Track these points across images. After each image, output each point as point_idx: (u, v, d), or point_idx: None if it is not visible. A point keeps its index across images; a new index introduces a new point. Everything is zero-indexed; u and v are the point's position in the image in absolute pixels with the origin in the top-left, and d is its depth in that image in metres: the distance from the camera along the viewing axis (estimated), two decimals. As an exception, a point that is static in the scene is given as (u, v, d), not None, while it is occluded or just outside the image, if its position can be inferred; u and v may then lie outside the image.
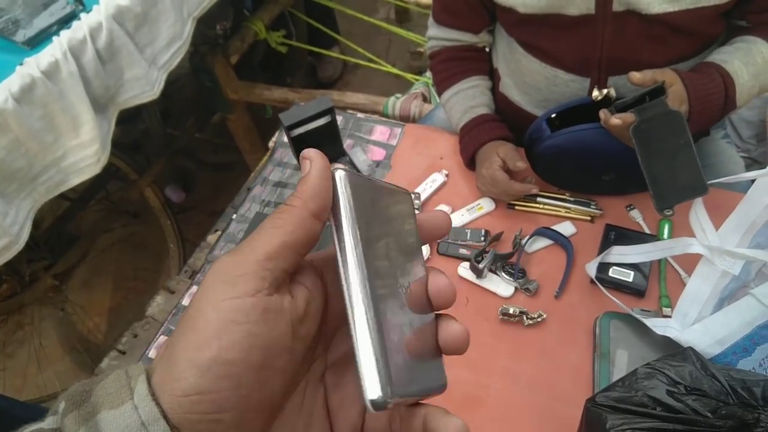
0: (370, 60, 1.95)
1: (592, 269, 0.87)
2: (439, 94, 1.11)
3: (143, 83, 1.16)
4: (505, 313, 0.87)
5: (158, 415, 0.23)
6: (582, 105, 0.89)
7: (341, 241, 0.26)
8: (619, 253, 0.88)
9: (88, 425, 0.23)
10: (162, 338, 0.94)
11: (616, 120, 0.77)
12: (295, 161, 1.08)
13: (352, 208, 0.27)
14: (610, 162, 0.91)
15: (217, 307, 0.24)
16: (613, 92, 0.82)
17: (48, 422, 0.24)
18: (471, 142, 1.02)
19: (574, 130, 0.87)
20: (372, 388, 0.24)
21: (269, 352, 0.24)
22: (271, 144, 1.22)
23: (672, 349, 0.78)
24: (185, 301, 0.98)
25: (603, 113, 0.81)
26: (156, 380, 0.24)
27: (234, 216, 1.10)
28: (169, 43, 1.23)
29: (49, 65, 1.02)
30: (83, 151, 1.09)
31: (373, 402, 0.24)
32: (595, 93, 0.86)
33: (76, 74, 1.03)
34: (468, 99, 1.05)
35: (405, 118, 1.55)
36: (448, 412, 0.29)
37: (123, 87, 1.15)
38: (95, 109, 1.08)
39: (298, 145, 1.04)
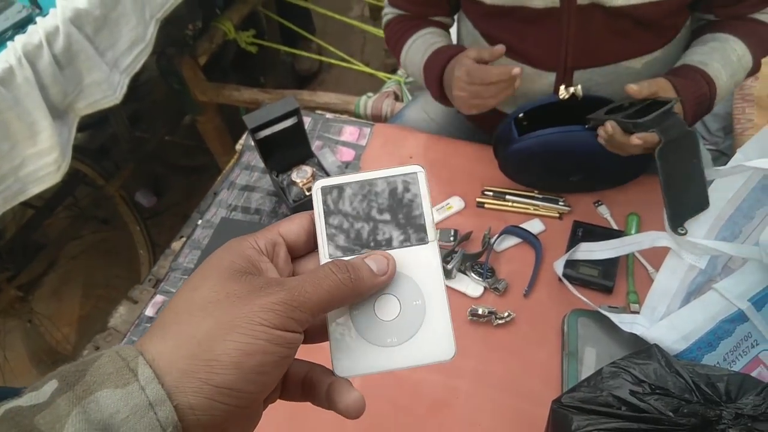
0: (343, 59, 1.93)
1: (559, 267, 0.87)
2: (398, 55, 1.05)
3: (104, 88, 1.13)
4: (474, 314, 0.86)
5: (165, 397, 0.25)
6: (551, 103, 0.89)
7: (318, 244, 0.34)
8: (587, 250, 0.88)
9: (84, 403, 0.24)
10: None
11: (636, 140, 0.74)
12: (262, 164, 1.06)
13: (324, 215, 0.34)
14: (578, 164, 0.91)
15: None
16: (579, 91, 0.82)
17: (26, 399, 0.25)
18: (435, 65, 0.94)
19: (541, 134, 0.87)
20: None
21: (288, 361, 0.30)
22: (238, 147, 1.20)
23: (639, 345, 0.78)
24: (149, 312, 0.96)
25: (609, 125, 0.77)
26: (162, 364, 0.26)
27: (200, 222, 1.08)
28: (131, 46, 1.19)
29: (2, 72, 0.98)
30: (42, 159, 1.05)
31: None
32: (562, 92, 0.86)
33: (31, 80, 0.99)
34: (428, 41, 0.99)
35: (377, 117, 1.54)
36: (351, 385, 0.32)
37: (83, 92, 1.11)
38: (53, 115, 1.04)
39: (264, 147, 1.02)
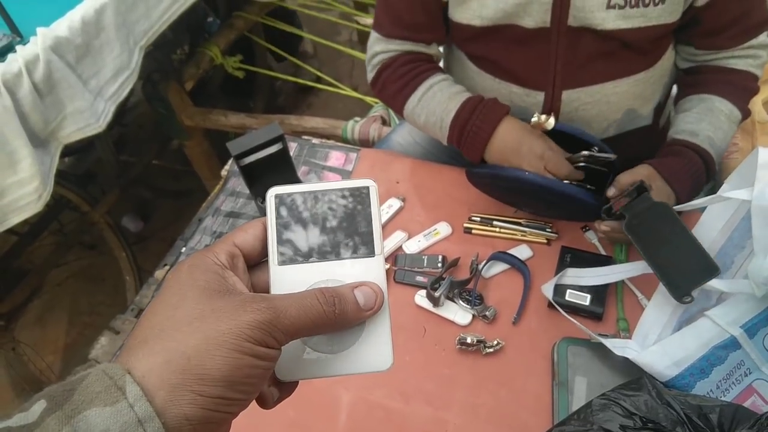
0: (330, 84, 1.94)
1: (548, 290, 0.86)
2: (405, 99, 0.98)
3: (87, 116, 1.11)
4: (463, 343, 0.85)
5: (153, 414, 0.26)
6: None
7: (269, 250, 0.35)
8: (575, 275, 0.88)
9: (74, 422, 0.25)
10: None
11: (605, 227, 0.84)
12: (247, 190, 1.04)
13: (276, 222, 0.35)
14: (527, 200, 0.93)
15: None
16: (552, 122, 0.84)
17: (16, 419, 0.25)
18: (482, 127, 0.87)
19: (492, 169, 0.88)
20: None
21: (270, 372, 0.32)
22: (223, 173, 1.19)
23: (630, 374, 0.77)
24: (131, 343, 0.93)
25: (595, 225, 0.87)
26: (154, 380, 0.27)
27: (183, 249, 1.06)
28: (116, 73, 1.19)
29: (-19, 100, 0.97)
30: (22, 188, 1.04)
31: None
32: (534, 119, 0.86)
33: (11, 109, 0.98)
34: (447, 89, 0.93)
35: (364, 142, 1.54)
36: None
37: (65, 120, 1.10)
38: (34, 144, 1.03)
39: (249, 173, 1.01)
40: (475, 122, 0.88)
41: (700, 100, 0.89)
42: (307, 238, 0.35)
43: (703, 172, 0.85)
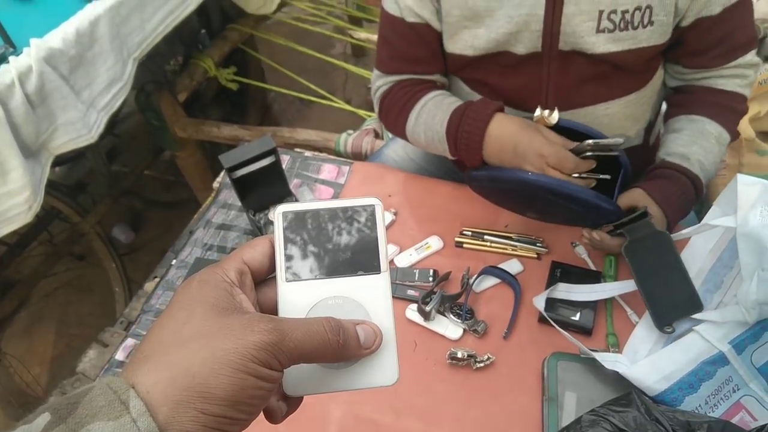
0: (324, 96, 1.94)
1: (540, 303, 0.87)
2: (404, 121, 0.96)
3: (79, 127, 1.11)
4: (454, 357, 0.85)
5: (155, 430, 0.26)
6: None
7: (276, 267, 0.36)
8: (566, 290, 0.88)
9: None
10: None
11: (596, 236, 0.85)
12: (239, 203, 1.05)
13: (284, 240, 0.36)
14: (528, 203, 0.92)
15: None
16: (555, 116, 0.83)
17: (20, 431, 0.26)
18: (473, 130, 0.84)
19: (491, 171, 0.86)
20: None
21: (272, 393, 0.32)
22: (215, 185, 1.19)
23: (620, 389, 0.77)
24: (119, 356, 0.92)
25: (585, 232, 0.87)
26: (158, 396, 0.27)
27: (174, 261, 1.06)
28: (109, 85, 1.19)
29: (-27, 110, 0.97)
30: (12, 199, 1.03)
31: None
32: (537, 113, 0.86)
33: (2, 120, 0.98)
34: (441, 102, 0.91)
35: (357, 155, 1.54)
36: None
37: (57, 131, 1.10)
38: (25, 154, 1.03)
39: (241, 186, 1.01)
40: (465, 127, 0.85)
41: (690, 121, 0.90)
42: (314, 255, 0.36)
43: (693, 196, 0.87)
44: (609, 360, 0.78)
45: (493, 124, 0.83)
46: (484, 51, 0.87)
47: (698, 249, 0.79)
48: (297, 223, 0.36)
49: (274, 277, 0.36)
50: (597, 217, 0.85)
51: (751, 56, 0.89)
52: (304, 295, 0.35)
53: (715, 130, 0.88)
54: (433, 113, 0.91)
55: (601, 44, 0.81)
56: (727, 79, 0.90)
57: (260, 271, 0.36)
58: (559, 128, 0.85)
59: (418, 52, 0.94)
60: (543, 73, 0.87)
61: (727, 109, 0.90)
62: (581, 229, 0.91)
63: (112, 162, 1.91)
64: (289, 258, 0.36)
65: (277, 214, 0.36)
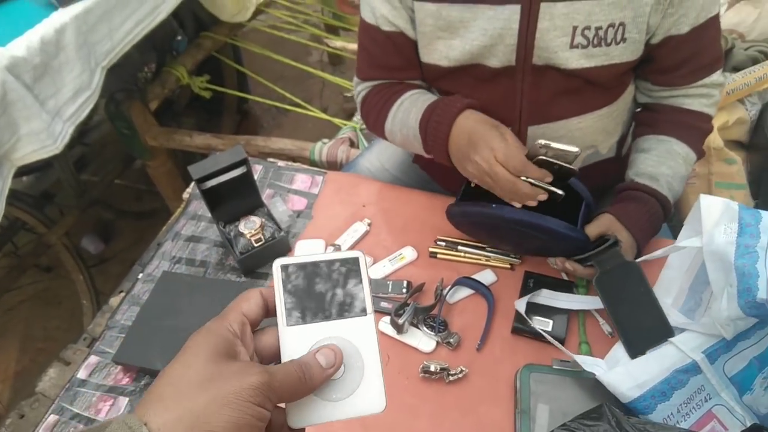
0: (299, 105, 1.93)
1: (521, 306, 0.87)
2: (383, 121, 0.96)
3: (43, 137, 1.08)
4: (427, 371, 0.83)
5: None
6: None
7: (277, 314, 0.41)
8: (549, 297, 0.89)
9: None
10: (52, 417, 0.84)
11: (569, 266, 0.87)
12: (209, 214, 1.02)
13: (283, 289, 0.41)
14: (503, 238, 0.93)
15: None
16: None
17: None
18: (439, 125, 0.83)
19: (464, 207, 0.89)
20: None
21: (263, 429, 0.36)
22: (185, 195, 1.16)
23: (592, 401, 0.77)
24: (81, 374, 0.89)
25: (558, 261, 0.89)
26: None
27: (140, 275, 1.03)
28: (76, 94, 1.16)
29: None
30: (-30, 210, 0.99)
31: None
32: None
33: (-40, 128, 0.94)
34: (417, 99, 0.91)
35: (332, 164, 1.53)
36: None
37: (19, 142, 1.06)
38: (-16, 164, 0.99)
39: (211, 197, 0.99)
40: (435, 118, 0.84)
41: (658, 141, 0.92)
42: (309, 302, 0.42)
43: (662, 217, 0.89)
44: (588, 363, 0.79)
45: (461, 117, 0.83)
46: (458, 62, 0.87)
47: (676, 269, 0.81)
48: (293, 274, 0.42)
49: (269, 326, 0.42)
50: (567, 246, 0.86)
51: (717, 76, 0.90)
52: (303, 337, 0.41)
53: (682, 150, 0.90)
54: (408, 110, 0.91)
55: (575, 60, 0.82)
56: (693, 98, 0.91)
57: (255, 321, 0.41)
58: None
59: (395, 61, 0.94)
60: (517, 87, 0.87)
61: (694, 128, 0.92)
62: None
63: (81, 171, 1.86)
64: (288, 305, 0.41)
65: (276, 267, 0.42)
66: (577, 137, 0.93)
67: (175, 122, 2.03)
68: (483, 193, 0.87)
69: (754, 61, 1.34)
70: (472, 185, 0.91)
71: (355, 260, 0.43)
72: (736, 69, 1.30)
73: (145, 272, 1.03)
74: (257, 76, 2.14)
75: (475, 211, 0.86)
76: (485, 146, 0.78)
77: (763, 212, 0.72)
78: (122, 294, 1.01)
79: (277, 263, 0.42)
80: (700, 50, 0.86)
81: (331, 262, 0.43)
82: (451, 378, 0.83)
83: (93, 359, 0.92)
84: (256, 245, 0.97)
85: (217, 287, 0.95)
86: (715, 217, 0.72)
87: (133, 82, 1.70)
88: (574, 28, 0.79)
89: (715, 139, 1.19)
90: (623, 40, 0.81)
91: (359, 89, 1.01)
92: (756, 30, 1.42)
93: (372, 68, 0.98)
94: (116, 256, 2.08)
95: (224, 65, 2.12)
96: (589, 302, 0.88)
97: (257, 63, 2.54)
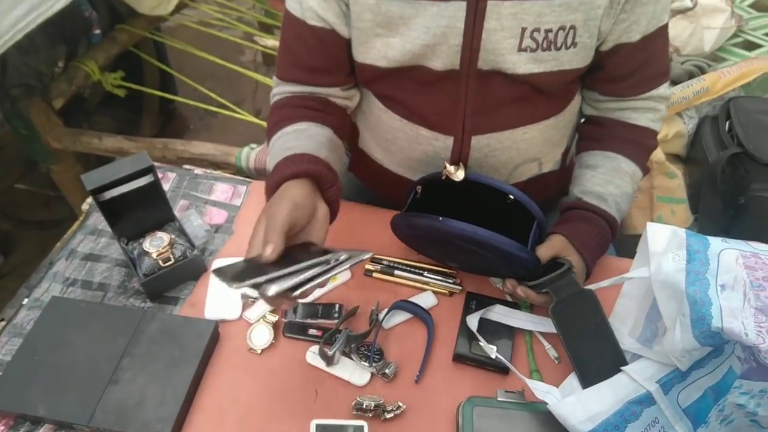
0: (226, 107, 1.79)
1: (473, 322, 0.81)
2: (268, 143, 0.88)
3: None
4: (360, 408, 0.74)
5: None
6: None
7: None
8: (503, 314, 0.84)
9: None
10: None
11: (521, 292, 0.81)
12: (110, 229, 0.88)
13: None
14: (450, 253, 0.87)
15: None
16: (461, 174, 0.80)
17: None
18: (270, 181, 0.75)
19: (409, 217, 0.82)
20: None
21: None
22: (84, 206, 1.02)
23: (540, 436, 0.71)
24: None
25: (508, 284, 0.83)
26: None
27: (26, 300, 0.87)
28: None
29: None
30: None
31: None
32: (448, 168, 0.81)
33: None
34: (286, 143, 0.80)
35: (261, 171, 1.41)
36: None
37: None
38: None
39: (111, 210, 0.85)
40: (270, 178, 0.75)
41: (605, 158, 0.88)
42: None
43: (609, 239, 0.86)
44: (541, 390, 0.73)
45: (282, 187, 0.72)
46: (398, 63, 0.79)
47: (632, 297, 0.79)
48: None
49: None
50: (515, 266, 0.81)
51: (664, 89, 0.88)
52: None
53: (629, 168, 0.88)
54: (272, 155, 0.81)
55: (522, 64, 0.76)
56: (640, 113, 0.88)
57: None
58: (468, 184, 0.80)
59: (319, 61, 0.84)
60: (461, 93, 0.80)
61: (640, 146, 0.90)
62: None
63: (-28, 176, 1.64)
64: None
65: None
66: (523, 148, 0.87)
67: (86, 123, 1.84)
68: (432, 205, 0.80)
69: (690, 76, 1.35)
70: (423, 195, 0.84)
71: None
72: (673, 83, 1.30)
73: (31, 297, 0.88)
74: (183, 75, 1.99)
75: (422, 223, 0.79)
76: (261, 221, 0.68)
77: (710, 238, 0.69)
78: (2, 323, 0.86)
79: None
80: (649, 60, 0.83)
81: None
82: (386, 416, 0.74)
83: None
84: (163, 266, 0.84)
85: (116, 315, 0.82)
86: (663, 245, 0.69)
87: (37, 78, 1.52)
88: (523, 30, 0.73)
89: (656, 153, 1.17)
90: (574, 44, 0.76)
91: (274, 92, 0.90)
92: (690, 45, 1.43)
93: (292, 68, 0.86)
94: (16, 270, 1.86)
95: (145, 62, 1.95)
96: (544, 323, 0.82)
97: (185, 61, 2.37)
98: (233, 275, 0.61)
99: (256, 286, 0.60)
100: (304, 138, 0.80)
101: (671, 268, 0.66)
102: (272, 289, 0.59)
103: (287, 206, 0.67)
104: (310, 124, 0.83)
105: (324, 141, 0.81)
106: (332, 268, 0.64)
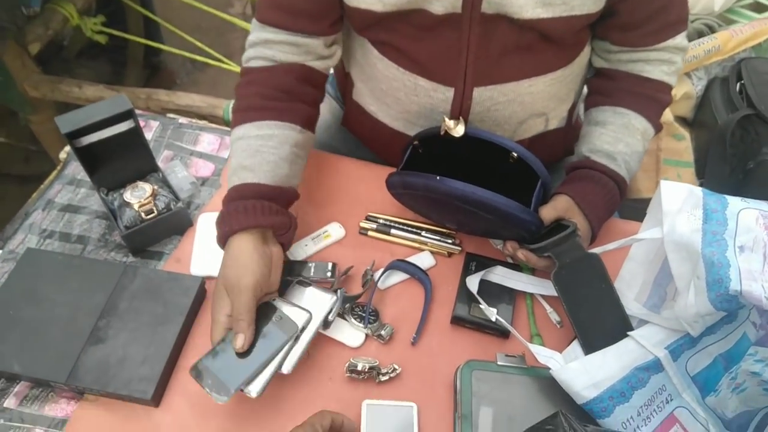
0: (216, 59, 1.71)
1: (473, 283, 0.77)
2: (234, 124, 0.79)
3: None
4: (353, 370, 0.71)
5: None
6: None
7: None
8: (503, 275, 0.80)
9: None
10: None
11: (521, 255, 0.77)
12: (89, 179, 0.83)
13: None
14: (447, 214, 0.82)
15: None
16: (461, 129, 0.75)
17: None
18: (224, 223, 0.71)
19: (405, 176, 0.77)
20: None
21: None
22: (62, 155, 0.95)
23: (541, 403, 0.68)
24: None
25: (508, 246, 0.79)
26: None
27: (-1, 252, 0.82)
28: None
29: None
30: None
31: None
32: (447, 123, 0.76)
33: None
34: (247, 153, 0.75)
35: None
36: None
37: None
38: None
39: (89, 157, 0.80)
40: (229, 211, 0.71)
41: (615, 114, 0.83)
42: None
43: (618, 200, 0.81)
44: (544, 355, 0.71)
45: (242, 236, 0.70)
46: (395, 6, 0.73)
47: (639, 261, 0.74)
48: None
49: None
50: (516, 228, 0.76)
51: (681, 38, 0.82)
52: None
53: (641, 125, 0.82)
54: (234, 158, 0.76)
55: (530, 8, 0.70)
56: (654, 65, 0.83)
57: None
58: (468, 140, 0.75)
59: (301, 3, 0.76)
60: (462, 40, 0.74)
61: (653, 100, 0.84)
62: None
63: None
64: None
65: None
66: (527, 102, 0.82)
67: (67, 73, 1.75)
68: (429, 163, 0.75)
69: (700, 34, 1.29)
70: (419, 151, 0.79)
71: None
72: (683, 41, 1.24)
73: (5, 248, 0.83)
74: (170, 24, 1.89)
75: (419, 182, 0.74)
76: (221, 288, 0.68)
77: (729, 197, 0.64)
78: (-22, 278, 0.80)
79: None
80: (668, 5, 0.78)
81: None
82: (381, 378, 0.71)
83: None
84: (146, 218, 0.79)
85: (96, 269, 0.77)
86: (677, 204, 0.64)
87: (10, 20, 1.42)
88: None
89: (665, 113, 1.12)
90: None
91: (251, 38, 0.79)
92: (700, 3, 1.37)
93: (275, 11, 0.77)
94: (-5, 226, 1.79)
95: (129, 9, 1.85)
96: (546, 286, 0.79)
97: (171, 11, 2.26)
98: (214, 383, 0.63)
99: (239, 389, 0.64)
100: (267, 152, 0.74)
101: (686, 229, 0.62)
102: (256, 389, 0.64)
103: (250, 285, 0.66)
104: (276, 124, 0.76)
105: (286, 154, 0.76)
106: (303, 330, 0.68)
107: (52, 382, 0.68)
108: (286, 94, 0.78)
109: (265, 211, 0.71)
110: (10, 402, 0.69)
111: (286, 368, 0.66)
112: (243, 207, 0.71)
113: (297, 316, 0.69)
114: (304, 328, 0.68)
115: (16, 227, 0.86)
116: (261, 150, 0.74)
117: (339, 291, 0.74)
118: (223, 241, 0.71)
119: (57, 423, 0.67)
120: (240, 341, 0.65)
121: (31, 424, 0.67)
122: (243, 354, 0.65)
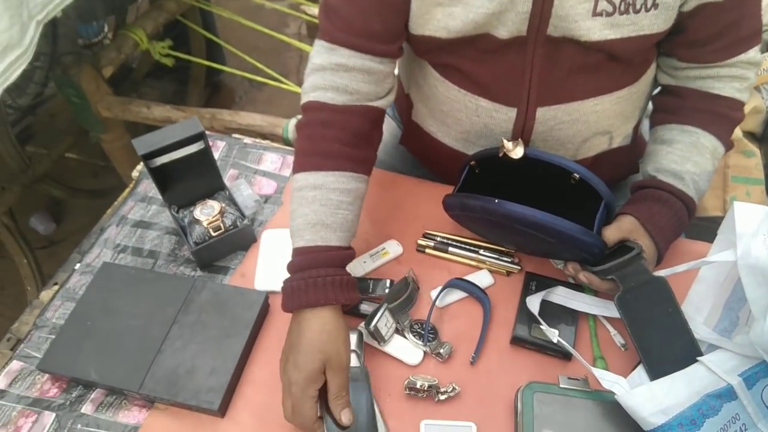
0: (275, 78, 1.77)
1: (534, 304, 0.76)
2: (295, 169, 0.77)
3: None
4: (412, 388, 0.71)
5: None
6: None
7: None
8: (566, 296, 0.79)
9: None
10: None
11: (583, 278, 0.75)
12: (160, 196, 0.87)
13: None
14: (504, 235, 0.82)
15: None
16: (519, 151, 0.73)
17: None
18: (299, 292, 0.70)
19: (463, 198, 0.77)
20: None
21: None
22: (135, 174, 1.01)
23: (605, 427, 0.66)
24: (0, 383, 0.75)
25: (570, 267, 0.77)
26: None
27: (78, 265, 0.87)
28: (4, 51, 0.98)
29: None
30: None
31: None
32: (506, 145, 0.75)
33: None
34: (325, 208, 0.73)
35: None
36: None
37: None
38: None
39: (162, 177, 0.84)
40: (305, 278, 0.70)
41: (683, 132, 0.80)
42: None
43: (686, 221, 0.78)
44: (608, 380, 0.68)
45: (325, 311, 0.69)
46: (460, 33, 0.72)
47: (709, 284, 0.71)
48: None
49: None
50: (578, 250, 0.75)
51: (754, 53, 0.78)
52: None
53: (710, 143, 0.79)
54: (307, 210, 0.73)
55: (597, 30, 0.69)
56: (725, 81, 0.79)
57: None
58: (528, 161, 0.74)
59: (374, 26, 0.74)
60: (527, 62, 0.74)
61: (723, 117, 0.81)
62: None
63: (26, 144, 1.67)
64: None
65: None
66: (592, 121, 0.80)
67: (135, 93, 1.85)
68: (487, 184, 0.74)
69: (769, 46, 1.24)
70: (477, 171, 0.79)
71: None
72: (751, 53, 1.19)
73: (83, 262, 0.88)
74: (230, 45, 1.97)
75: (477, 205, 0.74)
76: (292, 370, 0.67)
77: None
78: (56, 287, 0.86)
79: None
80: (739, 20, 0.74)
81: None
82: (441, 397, 0.71)
83: (15, 365, 0.77)
84: (214, 234, 0.83)
85: (166, 283, 0.81)
86: (753, 227, 0.62)
87: (87, 46, 1.52)
88: None
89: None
90: (654, 5, 0.68)
91: (316, 62, 0.76)
92: (769, 13, 1.32)
93: (342, 32, 0.75)
94: (68, 237, 1.90)
95: (192, 32, 1.94)
96: (610, 307, 0.77)
97: (231, 32, 2.36)
98: None
99: None
100: (345, 209, 0.74)
101: (762, 252, 0.60)
102: None
103: (347, 364, 0.68)
104: (354, 177, 0.76)
105: (357, 209, 0.77)
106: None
107: (125, 390, 0.72)
108: (363, 141, 0.78)
109: (350, 287, 0.72)
110: (87, 408, 0.73)
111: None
112: (331, 280, 0.70)
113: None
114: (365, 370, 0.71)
115: (92, 242, 0.91)
116: (341, 207, 0.74)
117: (385, 304, 0.75)
118: (293, 307, 0.71)
119: (130, 430, 0.70)
120: (348, 416, 0.65)
121: (105, 430, 0.71)
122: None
